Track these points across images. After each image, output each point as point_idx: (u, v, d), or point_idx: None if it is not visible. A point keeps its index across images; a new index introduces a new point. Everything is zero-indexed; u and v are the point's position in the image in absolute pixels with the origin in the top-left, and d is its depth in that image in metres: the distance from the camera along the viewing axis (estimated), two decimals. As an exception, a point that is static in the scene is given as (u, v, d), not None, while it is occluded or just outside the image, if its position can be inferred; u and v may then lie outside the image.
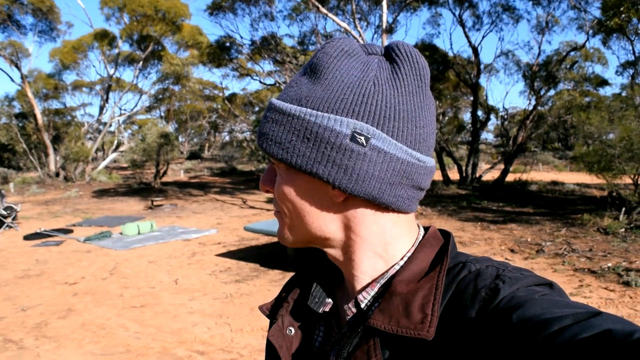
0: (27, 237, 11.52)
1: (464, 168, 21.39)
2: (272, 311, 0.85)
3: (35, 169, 30.90)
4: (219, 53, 20.30)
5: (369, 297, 0.71)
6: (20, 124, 30.78)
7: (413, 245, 0.74)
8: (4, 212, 12.66)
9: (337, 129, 0.66)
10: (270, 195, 0.79)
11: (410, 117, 0.68)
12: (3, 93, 53.15)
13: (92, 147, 30.52)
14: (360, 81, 0.67)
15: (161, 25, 24.62)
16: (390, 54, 0.70)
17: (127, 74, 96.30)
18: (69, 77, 34.16)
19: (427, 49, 17.81)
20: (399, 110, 0.67)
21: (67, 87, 32.29)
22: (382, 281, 0.71)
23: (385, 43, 12.87)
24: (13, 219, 12.91)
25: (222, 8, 16.51)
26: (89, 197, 21.73)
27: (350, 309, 0.72)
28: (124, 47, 28.96)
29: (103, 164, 32.70)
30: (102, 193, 23.16)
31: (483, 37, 21.68)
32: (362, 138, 0.65)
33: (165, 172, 27.04)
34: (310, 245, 0.76)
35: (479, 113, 22.07)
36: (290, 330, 0.79)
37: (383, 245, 0.72)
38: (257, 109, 36.87)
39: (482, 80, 25.39)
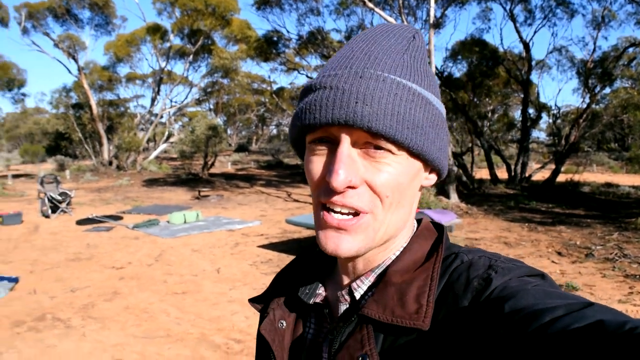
0: (80, 222, 11.99)
1: (512, 167, 20.91)
2: (263, 305, 0.84)
3: (89, 157, 32.03)
4: (267, 47, 20.50)
5: (363, 286, 0.72)
6: (77, 114, 31.90)
7: (409, 237, 0.74)
8: (59, 198, 13.20)
9: (444, 116, 0.70)
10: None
11: None
12: (61, 84, 55.13)
13: (144, 137, 31.39)
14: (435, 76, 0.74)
15: (211, 19, 25.05)
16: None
17: (178, 67, 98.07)
18: (123, 70, 34.99)
19: (477, 44, 17.45)
20: None
21: (120, 79, 33.30)
22: (378, 271, 0.72)
23: (433, 38, 12.71)
24: (67, 204, 13.45)
25: (269, 2, 16.65)
26: (139, 185, 22.38)
27: (344, 297, 0.73)
28: (175, 41, 29.64)
29: (154, 154, 33.56)
30: (151, 182, 23.79)
31: (535, 32, 21.02)
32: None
33: (212, 164, 27.56)
34: (376, 247, 0.70)
35: (530, 111, 21.50)
36: (282, 323, 0.78)
37: (410, 230, 0.75)
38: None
39: (534, 77, 24.74)
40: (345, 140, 0.63)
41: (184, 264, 7.89)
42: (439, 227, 0.77)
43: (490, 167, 21.06)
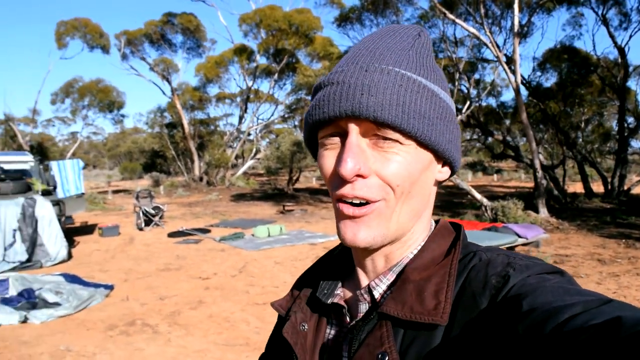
0: (171, 235, 12.59)
1: (609, 180, 19.70)
2: (286, 309, 0.85)
3: (182, 173, 33.61)
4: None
5: (382, 284, 0.73)
6: (170, 133, 33.67)
7: (427, 235, 0.75)
8: (153, 212, 13.95)
9: (454, 110, 0.72)
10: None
11: None
12: (156, 105, 58.42)
13: (232, 154, 32.54)
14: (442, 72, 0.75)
15: (295, 38, 25.67)
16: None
17: (264, 86, 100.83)
18: (212, 90, 36.57)
19: (567, 51, 16.68)
20: None
21: (210, 99, 34.81)
22: (397, 269, 0.73)
23: (518, 47, 12.31)
24: (160, 217, 14.18)
25: (350, 19, 16.82)
26: (228, 200, 23.17)
27: (363, 295, 0.73)
28: (261, 61, 30.61)
29: (241, 170, 34.68)
30: (239, 197, 24.55)
31: (631, 36, 19.61)
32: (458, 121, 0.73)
33: (297, 179, 28.05)
34: (391, 239, 0.70)
35: (629, 119, 20.22)
36: (304, 326, 0.79)
37: (428, 229, 0.76)
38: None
39: (631, 84, 23.10)
40: (354, 130, 0.65)
41: (266, 275, 8.07)
42: (457, 227, 0.77)
43: (585, 180, 19.94)
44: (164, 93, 32.95)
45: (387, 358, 0.63)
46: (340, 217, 0.69)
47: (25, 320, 5.77)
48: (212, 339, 5.22)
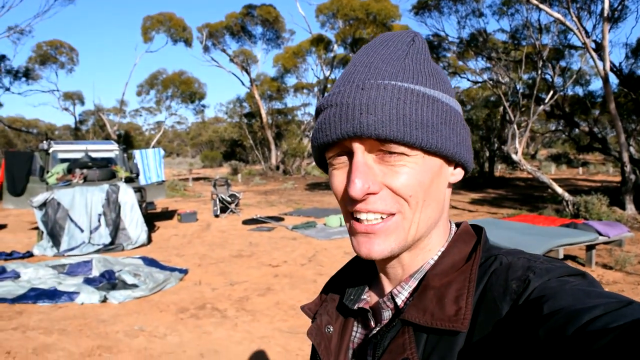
0: (245, 222, 12.91)
1: None
2: (314, 312, 0.89)
3: (259, 162, 34.35)
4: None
5: (404, 292, 0.73)
6: (249, 123, 34.49)
7: (446, 240, 0.75)
8: (229, 199, 14.35)
9: (460, 111, 0.71)
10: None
11: None
12: (235, 95, 59.94)
13: (308, 143, 32.84)
14: (444, 73, 0.74)
15: (372, 27, 25.44)
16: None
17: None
18: (290, 80, 37.25)
19: (663, 36, 15.52)
20: None
21: (288, 89, 35.28)
22: (418, 276, 0.73)
23: (608, 33, 11.52)
24: (236, 205, 14.57)
25: (428, 7, 16.43)
26: (302, 189, 23.47)
27: (386, 303, 0.75)
28: (339, 50, 30.60)
29: (317, 159, 34.93)
30: (314, 186, 24.80)
31: None
32: (464, 121, 0.73)
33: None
34: (408, 247, 0.71)
35: None
36: (329, 328, 0.82)
37: (443, 236, 0.75)
38: (468, 107, 36.08)
39: None
40: (359, 150, 0.66)
41: (335, 265, 8.10)
42: (478, 230, 0.77)
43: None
44: (243, 84, 33.77)
45: None
46: (352, 232, 0.71)
47: (105, 300, 6.11)
48: (277, 325, 5.30)
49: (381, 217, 0.67)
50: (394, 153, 0.65)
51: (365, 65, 0.68)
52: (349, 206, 0.69)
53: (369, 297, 0.80)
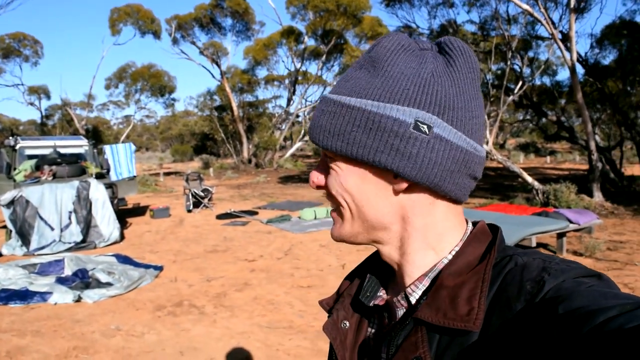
0: (219, 217, 12.82)
1: (673, 162, 18.74)
2: (331, 306, 0.89)
3: (231, 156, 34.12)
4: (398, 43, 20.33)
5: (417, 291, 0.73)
6: (220, 116, 34.19)
7: (461, 240, 0.75)
8: (202, 194, 14.22)
9: (400, 118, 0.68)
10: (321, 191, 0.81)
11: (467, 107, 0.70)
12: (205, 88, 59.26)
13: (280, 136, 32.79)
14: (419, 72, 0.70)
15: (343, 19, 25.42)
16: (443, 48, 0.73)
17: (312, 67, 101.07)
18: (261, 72, 36.86)
19: (627, 27, 15.74)
20: (457, 101, 0.69)
21: (259, 82, 34.97)
22: (432, 275, 0.73)
23: (574, 24, 11.75)
24: (209, 199, 14.44)
25: (398, -1, 16.49)
26: (275, 182, 23.39)
27: (400, 302, 0.75)
28: (309, 42, 30.46)
29: (290, 152, 34.92)
30: (287, 179, 24.75)
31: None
32: (425, 127, 0.68)
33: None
34: (363, 241, 0.78)
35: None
36: (345, 323, 0.83)
37: (436, 237, 0.74)
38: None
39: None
40: (322, 151, 0.77)
41: (311, 258, 8.11)
42: (494, 230, 0.77)
43: (646, 162, 19.05)
44: (213, 76, 33.44)
45: None
46: None
47: (79, 299, 6.01)
48: (256, 320, 5.29)
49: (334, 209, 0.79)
50: (329, 157, 0.75)
51: (338, 79, 0.77)
52: None
53: (385, 295, 0.81)
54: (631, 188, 16.21)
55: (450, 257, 0.73)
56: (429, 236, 0.73)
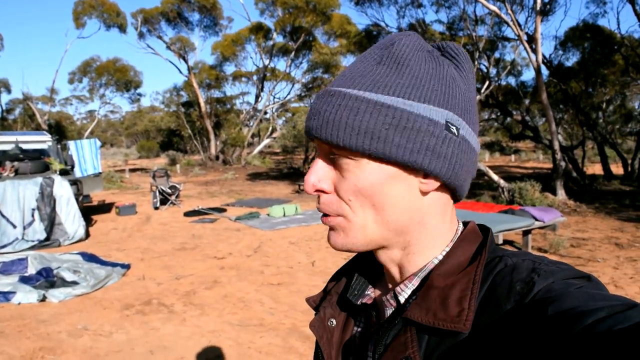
0: (187, 214, 12.68)
1: (629, 162, 19.34)
2: (318, 304, 0.88)
3: (198, 152, 33.77)
4: (367, 42, 20.45)
5: (407, 290, 0.73)
6: (187, 112, 33.79)
7: (452, 240, 0.74)
8: (169, 191, 14.05)
9: (434, 118, 0.68)
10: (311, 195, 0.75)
11: (475, 110, 0.73)
12: (172, 84, 58.46)
13: (248, 133, 32.58)
14: (442, 74, 0.70)
15: (312, 16, 25.41)
16: (448, 52, 0.73)
17: (281, 64, 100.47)
18: (229, 68, 36.59)
19: (590, 30, 16.20)
20: (472, 104, 0.72)
21: (227, 78, 34.66)
22: (422, 274, 0.73)
23: (540, 26, 12.02)
24: (176, 197, 14.27)
25: (368, -3, 16.58)
26: (244, 179, 23.27)
27: (389, 301, 0.75)
28: (278, 39, 30.36)
29: (258, 149, 34.76)
30: (255, 176, 24.64)
31: (658, 14, 19.13)
32: (454, 128, 0.68)
33: (313, 158, 28.02)
34: (374, 247, 0.73)
35: (652, 100, 19.72)
36: (332, 322, 0.82)
37: (440, 237, 0.74)
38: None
39: (657, 64, 22.43)
40: (320, 149, 0.72)
41: (280, 255, 8.11)
42: (484, 231, 0.77)
43: (604, 161, 19.60)
44: (180, 72, 33.08)
45: None
46: None
47: (43, 299, 5.87)
48: (226, 318, 5.26)
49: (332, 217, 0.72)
50: (343, 157, 0.68)
51: (343, 73, 0.72)
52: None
53: (373, 293, 0.80)
54: (593, 186, 16.68)
55: (440, 257, 0.73)
56: (436, 237, 0.73)
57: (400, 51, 0.70)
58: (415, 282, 0.73)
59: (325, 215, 0.72)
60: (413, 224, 0.71)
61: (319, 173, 0.71)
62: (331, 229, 0.73)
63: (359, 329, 0.80)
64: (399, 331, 0.69)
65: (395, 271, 0.75)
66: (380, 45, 0.72)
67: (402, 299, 0.73)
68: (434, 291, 0.67)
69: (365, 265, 0.85)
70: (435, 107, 0.68)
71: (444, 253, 0.73)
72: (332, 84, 0.71)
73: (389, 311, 0.75)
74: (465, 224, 0.78)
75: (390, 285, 0.77)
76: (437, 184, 0.70)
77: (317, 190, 0.71)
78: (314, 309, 0.88)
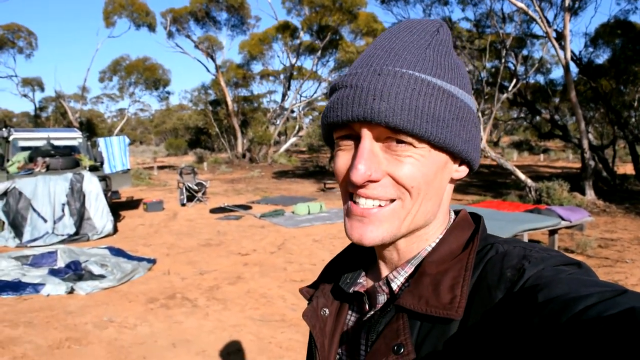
0: (213, 211, 12.81)
1: (662, 161, 18.83)
2: (311, 294, 0.89)
3: (225, 150, 34.05)
4: (393, 39, 20.34)
5: (399, 277, 0.74)
6: (214, 110, 34.10)
7: (445, 227, 0.76)
8: (195, 188, 14.21)
9: (474, 109, 0.72)
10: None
11: None
12: (200, 82, 59.05)
13: (275, 131, 32.71)
14: (463, 64, 0.74)
15: (338, 14, 25.38)
16: None
17: (307, 63, 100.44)
18: (256, 67, 36.76)
19: (621, 26, 15.80)
20: None
21: (254, 76, 34.87)
22: (415, 262, 0.74)
23: (569, 23, 11.81)
24: (202, 193, 14.43)
25: (393, -5, 16.50)
26: (269, 177, 23.39)
27: (382, 287, 0.75)
28: (305, 38, 30.42)
29: (284, 147, 34.88)
30: (281, 174, 24.75)
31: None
32: (477, 120, 0.73)
33: (338, 156, 28.01)
34: (404, 234, 0.72)
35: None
36: (325, 311, 0.82)
37: (441, 224, 0.76)
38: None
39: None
40: (367, 136, 0.66)
41: (304, 253, 8.14)
42: (477, 219, 0.78)
43: (635, 161, 19.06)
44: (208, 70, 33.38)
45: (402, 350, 0.65)
46: (348, 214, 0.71)
47: (71, 291, 6.01)
48: (248, 314, 5.31)
49: (379, 205, 0.68)
50: (402, 142, 0.65)
51: (386, 50, 0.68)
52: (350, 188, 0.69)
53: (365, 282, 0.81)
54: (623, 186, 16.32)
55: (433, 244, 0.73)
56: (439, 224, 0.75)
57: (445, 39, 0.72)
58: (409, 269, 0.73)
59: (355, 204, 0.69)
60: (437, 211, 0.73)
61: (372, 161, 0.66)
62: (361, 222, 0.68)
63: (352, 318, 0.80)
64: (391, 318, 0.69)
65: (393, 257, 0.75)
66: (423, 28, 0.71)
67: (394, 286, 0.73)
68: (427, 278, 0.68)
69: (358, 254, 0.86)
70: (471, 97, 0.72)
71: (437, 240, 0.74)
72: (380, 61, 0.67)
73: (381, 298, 0.75)
74: (456, 212, 0.79)
75: (382, 272, 0.77)
76: (467, 171, 0.74)
77: (368, 181, 0.66)
78: (307, 300, 0.88)
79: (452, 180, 0.74)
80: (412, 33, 0.70)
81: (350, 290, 0.79)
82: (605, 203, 12.50)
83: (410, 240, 0.73)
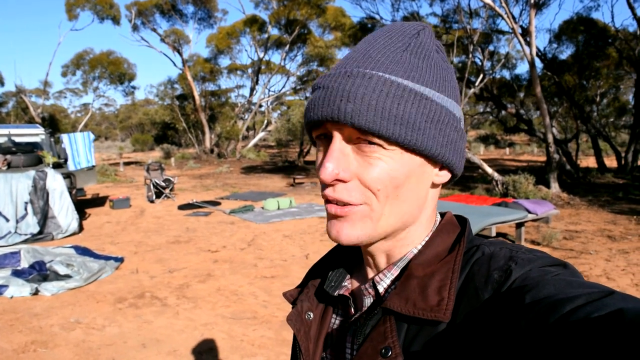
0: (181, 207, 12.67)
1: (623, 155, 19.43)
2: (295, 297, 0.88)
3: (193, 145, 33.69)
4: (361, 35, 20.43)
5: (385, 279, 0.73)
6: (181, 105, 33.67)
7: (431, 230, 0.75)
8: (163, 184, 14.02)
9: (457, 114, 0.71)
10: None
11: None
12: (166, 77, 58.17)
13: (243, 126, 32.49)
14: (450, 68, 0.73)
15: (307, 8, 25.31)
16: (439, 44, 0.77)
17: (276, 57, 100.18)
18: (224, 61, 36.53)
19: (583, 23, 16.21)
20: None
21: (221, 71, 34.56)
22: (401, 264, 0.73)
23: (534, 19, 12.02)
24: (170, 190, 14.25)
25: (362, -11, 16.52)
26: (238, 172, 23.24)
27: (368, 290, 0.75)
28: (273, 32, 30.28)
29: (252, 142, 34.70)
30: (249, 169, 24.61)
31: (652, 7, 19.19)
32: (462, 124, 0.72)
33: (308, 152, 28.03)
34: (381, 238, 0.71)
35: (645, 93, 19.76)
36: (309, 315, 0.81)
37: (427, 227, 0.75)
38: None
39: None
40: (336, 136, 0.66)
41: (274, 249, 8.11)
42: (462, 221, 0.77)
43: (598, 155, 19.67)
44: (174, 64, 32.83)
45: (390, 352, 0.64)
46: (327, 215, 0.71)
47: (36, 292, 5.86)
48: (219, 312, 5.26)
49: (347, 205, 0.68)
50: (372, 144, 0.65)
51: (362, 54, 0.68)
52: (322, 190, 0.70)
53: (350, 284, 0.80)
54: (586, 179, 16.75)
55: (420, 247, 0.73)
56: (423, 227, 0.74)
57: (425, 42, 0.70)
58: (395, 272, 0.73)
59: (330, 203, 0.69)
60: (419, 214, 0.73)
61: (340, 161, 0.66)
62: (338, 220, 0.69)
63: (337, 321, 0.79)
64: (378, 321, 0.69)
65: (379, 260, 0.75)
66: (402, 31, 0.70)
67: (380, 288, 0.73)
68: (414, 280, 0.68)
69: (342, 257, 0.85)
70: (454, 102, 0.71)
71: (423, 243, 0.73)
72: (354, 63, 0.67)
73: (367, 301, 0.74)
74: (442, 214, 0.79)
75: (368, 275, 0.77)
76: (449, 176, 0.73)
77: (337, 180, 0.66)
78: (291, 303, 0.87)
79: (434, 185, 0.73)
80: (390, 36, 0.69)
81: (336, 294, 0.78)
82: (569, 196, 12.81)
83: (394, 243, 0.73)
